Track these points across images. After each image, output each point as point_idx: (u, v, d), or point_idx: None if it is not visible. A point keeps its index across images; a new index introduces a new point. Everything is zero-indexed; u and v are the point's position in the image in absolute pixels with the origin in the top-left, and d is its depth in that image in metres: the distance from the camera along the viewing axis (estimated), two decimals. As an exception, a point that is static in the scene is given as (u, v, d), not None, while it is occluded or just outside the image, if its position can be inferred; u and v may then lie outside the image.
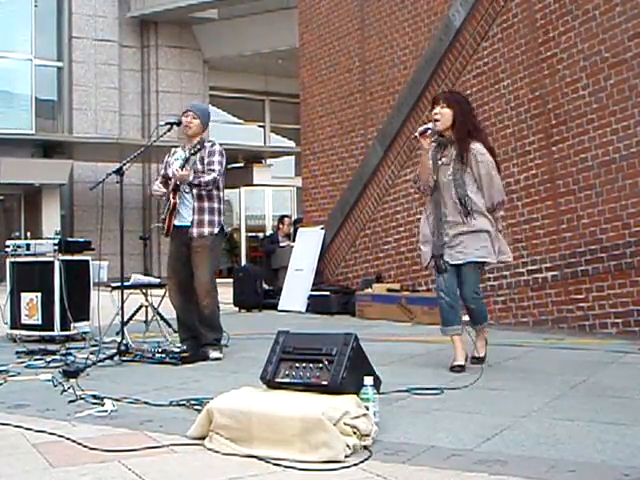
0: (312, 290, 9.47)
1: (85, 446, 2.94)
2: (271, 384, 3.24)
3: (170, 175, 5.51)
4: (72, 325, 6.44)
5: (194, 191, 5.44)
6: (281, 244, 11.27)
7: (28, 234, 7.77)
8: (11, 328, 6.69)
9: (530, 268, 7.05)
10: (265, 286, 10.34)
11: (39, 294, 6.58)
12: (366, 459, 2.71)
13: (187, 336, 5.59)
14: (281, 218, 12.21)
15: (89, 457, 2.82)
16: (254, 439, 2.83)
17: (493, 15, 7.58)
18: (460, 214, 4.59)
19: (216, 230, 5.51)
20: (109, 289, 6.36)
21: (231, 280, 10.27)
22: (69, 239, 7.59)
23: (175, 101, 20.29)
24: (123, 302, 5.59)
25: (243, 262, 21.16)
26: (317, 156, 10.41)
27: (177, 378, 4.55)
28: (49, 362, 5.15)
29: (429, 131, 4.61)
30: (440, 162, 4.67)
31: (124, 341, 5.26)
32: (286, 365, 3.25)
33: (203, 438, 2.97)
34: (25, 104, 19.60)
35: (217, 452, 2.85)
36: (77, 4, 19.71)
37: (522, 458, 2.69)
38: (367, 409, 2.97)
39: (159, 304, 6.67)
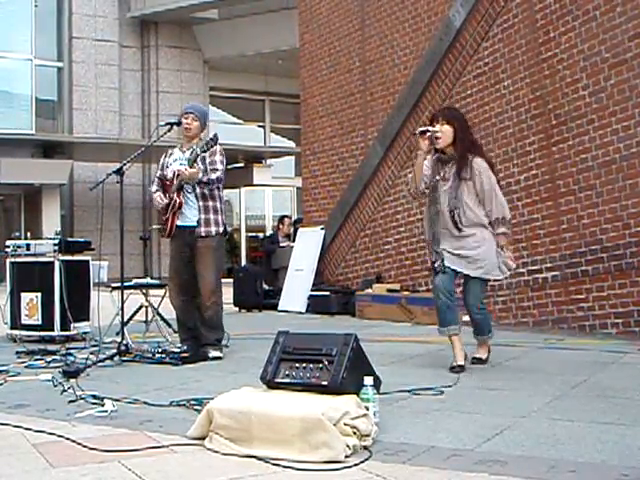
0: (312, 290, 9.47)
1: (85, 446, 2.94)
2: (271, 384, 3.24)
3: (169, 176, 5.50)
4: (72, 325, 6.44)
5: (197, 190, 5.43)
6: (281, 244, 11.27)
7: (28, 234, 7.78)
8: (11, 328, 6.69)
9: (530, 268, 7.05)
10: (265, 286, 10.34)
11: (39, 294, 6.58)
12: (366, 459, 2.71)
13: (187, 336, 5.59)
14: (281, 218, 12.21)
15: (89, 457, 2.82)
16: (254, 439, 2.83)
17: (493, 15, 7.58)
18: (458, 228, 4.62)
19: (221, 229, 5.53)
20: (109, 289, 6.36)
21: (231, 280, 10.26)
22: (69, 239, 7.58)
23: (175, 101, 20.29)
24: (123, 302, 5.59)
25: (243, 262, 21.17)
26: (317, 156, 10.41)
27: (177, 378, 4.55)
28: (49, 362, 5.15)
29: (428, 133, 4.63)
30: (440, 177, 4.68)
31: (124, 341, 5.26)
32: (286, 365, 3.25)
33: (203, 438, 2.97)
34: (25, 104, 19.60)
35: (217, 452, 2.85)
36: (77, 4, 19.71)
37: (522, 458, 2.69)
38: (367, 409, 2.97)
39: (159, 304, 6.67)
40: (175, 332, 6.01)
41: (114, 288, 6.20)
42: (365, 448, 2.82)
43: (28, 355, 5.50)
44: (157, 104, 20.54)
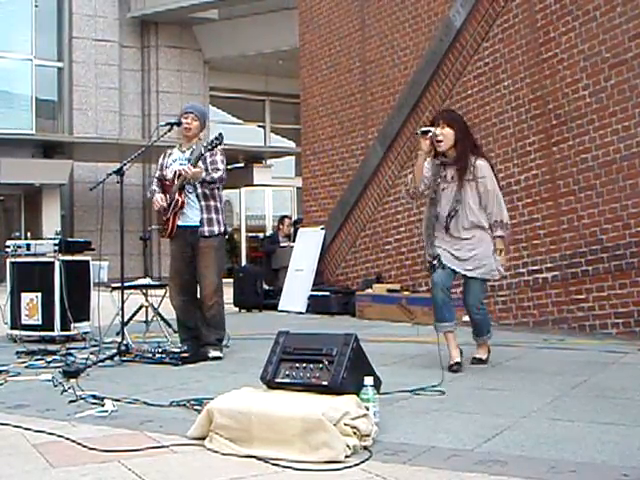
0: (312, 290, 9.47)
1: (85, 446, 2.93)
2: (271, 384, 3.24)
3: (169, 176, 5.49)
4: (72, 325, 6.44)
5: (199, 190, 5.43)
6: (281, 244, 11.27)
7: (28, 234, 7.79)
8: (11, 328, 6.69)
9: (531, 268, 7.05)
10: (265, 286, 10.34)
11: (39, 294, 6.58)
12: (366, 459, 2.71)
13: (187, 336, 5.59)
14: (281, 218, 12.22)
15: (89, 457, 2.82)
16: (254, 439, 2.83)
17: (494, 15, 7.58)
18: (458, 229, 4.62)
19: (223, 228, 5.54)
20: (109, 289, 6.36)
21: (231, 280, 10.26)
22: (69, 239, 7.59)
23: (175, 101, 20.27)
24: (123, 302, 5.59)
25: (243, 262, 21.17)
26: (318, 156, 10.41)
27: (177, 378, 4.55)
28: (49, 362, 5.15)
29: (429, 134, 4.63)
30: (442, 180, 4.68)
31: (124, 341, 5.26)
32: (286, 365, 3.25)
33: (203, 438, 2.97)
34: (25, 104, 19.59)
35: (217, 452, 2.85)
36: (77, 4, 19.70)
37: (522, 458, 2.69)
38: (367, 409, 2.97)
39: (159, 304, 6.67)
40: (175, 332, 6.01)
41: (114, 288, 6.20)
42: (365, 448, 2.82)
43: (28, 355, 5.50)
44: (157, 104, 20.53)
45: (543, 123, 7.00)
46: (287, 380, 3.20)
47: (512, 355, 5.28)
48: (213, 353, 5.35)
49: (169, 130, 5.55)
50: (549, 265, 6.89)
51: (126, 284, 5.86)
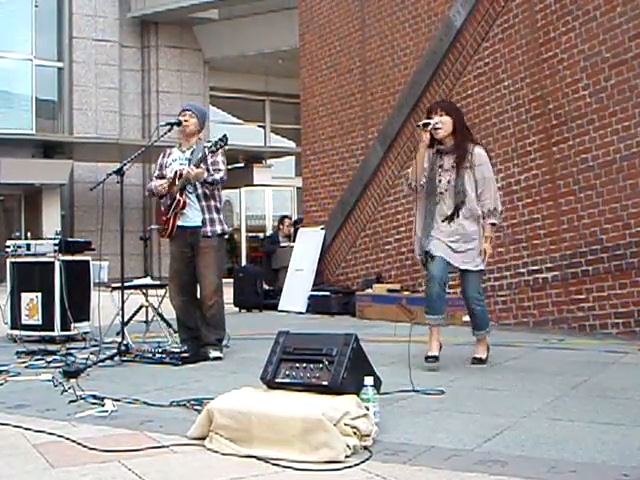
0: (312, 290, 9.47)
1: (85, 446, 2.93)
2: (271, 384, 3.24)
3: (169, 176, 5.49)
4: (72, 325, 6.44)
5: (199, 190, 5.43)
6: (281, 244, 11.27)
7: (28, 234, 7.78)
8: (11, 328, 6.69)
9: (531, 268, 7.05)
10: (265, 286, 10.34)
11: (39, 294, 6.58)
12: (366, 459, 2.71)
13: (187, 336, 5.59)
14: (281, 218, 12.22)
15: (89, 457, 2.82)
16: (254, 439, 2.83)
17: (494, 15, 7.58)
18: (456, 219, 4.64)
19: (224, 228, 5.54)
20: (109, 289, 6.36)
21: (231, 280, 10.26)
22: (69, 239, 7.58)
23: (175, 101, 20.25)
24: (123, 302, 5.58)
25: (243, 262, 21.17)
26: (318, 156, 10.41)
27: (177, 378, 4.55)
28: (49, 362, 5.15)
29: (429, 126, 4.66)
30: (440, 168, 4.70)
31: (124, 341, 5.26)
32: (286, 365, 3.25)
33: (203, 438, 2.97)
34: (25, 104, 19.60)
35: (217, 452, 2.85)
36: (77, 4, 19.70)
37: (522, 458, 2.69)
38: (367, 409, 2.97)
39: (159, 304, 6.67)
40: (175, 332, 6.01)
41: (114, 288, 6.19)
42: (365, 448, 2.82)
43: (28, 355, 5.50)
44: (157, 104, 20.53)
45: (543, 123, 7.00)
46: (287, 380, 3.20)
47: (512, 355, 5.28)
48: (213, 353, 5.35)
49: (169, 130, 5.55)
50: (549, 265, 6.89)
51: (126, 284, 5.85)
